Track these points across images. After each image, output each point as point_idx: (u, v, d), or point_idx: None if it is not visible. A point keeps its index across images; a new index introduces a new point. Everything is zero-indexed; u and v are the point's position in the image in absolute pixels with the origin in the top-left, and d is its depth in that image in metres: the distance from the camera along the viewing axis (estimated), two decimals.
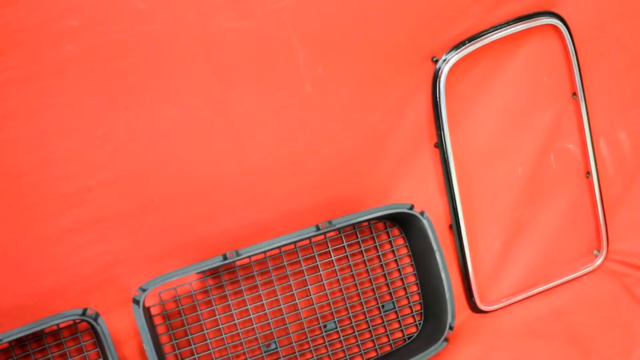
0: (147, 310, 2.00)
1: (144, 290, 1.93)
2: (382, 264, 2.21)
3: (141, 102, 1.95)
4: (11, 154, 1.90)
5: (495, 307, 2.31)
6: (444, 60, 2.14)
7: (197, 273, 2.04)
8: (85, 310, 1.92)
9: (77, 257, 2.02)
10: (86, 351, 2.03)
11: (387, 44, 2.11)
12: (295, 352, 2.14)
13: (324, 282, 2.17)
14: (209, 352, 2.09)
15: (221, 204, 2.11)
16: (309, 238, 2.11)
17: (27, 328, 1.88)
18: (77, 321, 2.00)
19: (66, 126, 1.91)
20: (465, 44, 2.14)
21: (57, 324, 1.96)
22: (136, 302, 1.91)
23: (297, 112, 2.09)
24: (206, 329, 2.09)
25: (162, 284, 1.95)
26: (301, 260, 2.15)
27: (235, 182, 2.10)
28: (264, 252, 2.05)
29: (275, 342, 2.13)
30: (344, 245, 2.18)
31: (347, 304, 2.18)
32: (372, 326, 2.19)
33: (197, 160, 2.05)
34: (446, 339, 2.08)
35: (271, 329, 2.13)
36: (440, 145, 2.20)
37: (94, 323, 1.92)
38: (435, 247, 2.10)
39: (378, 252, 2.21)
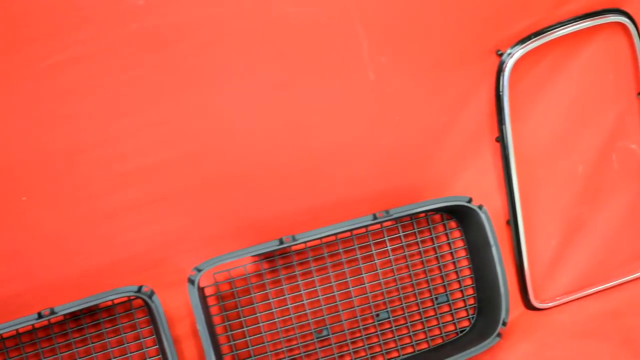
0: (201, 291, 1.96)
1: (199, 270, 1.90)
2: (437, 256, 2.15)
3: (203, 84, 1.93)
4: (71, 130, 1.89)
5: (550, 305, 2.23)
6: (509, 54, 2.07)
7: (252, 256, 1.99)
8: (140, 287, 1.90)
9: (133, 235, 2.01)
10: (139, 328, 2.00)
11: (452, 35, 2.06)
12: (346, 340, 2.09)
13: (378, 271, 2.11)
14: (260, 335, 2.05)
15: (277, 189, 2.07)
16: (366, 226, 2.06)
17: (83, 302, 1.87)
18: (131, 298, 1.98)
19: (126, 105, 1.90)
20: (531, 39, 2.07)
21: (112, 300, 1.93)
22: (191, 281, 1.89)
23: (359, 100, 2.05)
24: (259, 312, 2.05)
25: (217, 265, 1.92)
26: (356, 249, 2.10)
27: (293, 167, 2.06)
28: (320, 238, 2.00)
29: (327, 328, 2.08)
30: (400, 236, 2.12)
31: (401, 294, 2.13)
32: (424, 318, 2.14)
33: (256, 144, 2.02)
34: (499, 335, 2.02)
35: (323, 316, 2.08)
36: (501, 139, 2.12)
37: (148, 300, 1.90)
38: (492, 241, 2.03)
39: (434, 244, 2.15)
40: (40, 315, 1.83)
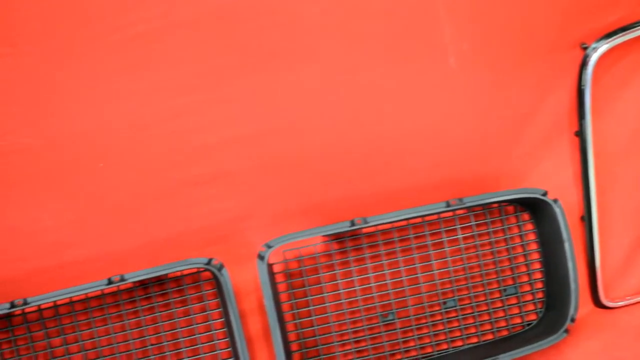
0: (270, 267, 1.94)
1: (269, 247, 1.88)
2: (508, 248, 2.10)
3: (275, 63, 1.91)
4: (142, 104, 1.89)
5: (620, 304, 2.16)
6: (593, 48, 2.00)
7: (322, 236, 1.97)
8: (210, 260, 1.88)
9: (203, 208, 2.00)
10: (206, 300, 1.99)
11: (536, 25, 2.00)
12: (412, 325, 2.05)
13: (448, 259, 2.07)
14: (326, 315, 2.02)
15: (348, 170, 2.04)
16: (438, 213, 2.02)
17: (152, 271, 1.87)
18: (200, 270, 1.96)
19: (197, 81, 1.89)
20: (617, 34, 2.00)
21: (181, 271, 1.93)
22: (261, 257, 1.87)
23: (438, 86, 2.00)
24: (326, 292, 2.02)
25: (288, 242, 1.90)
26: (427, 235, 2.05)
27: (365, 149, 2.03)
28: (392, 222, 1.96)
29: (393, 313, 2.05)
30: (471, 225, 2.07)
31: (469, 284, 2.08)
32: (491, 309, 2.09)
33: (331, 124, 1.99)
34: (566, 331, 1.96)
35: (390, 300, 2.04)
36: (580, 134, 2.06)
37: (217, 273, 1.88)
38: (565, 236, 1.97)
39: (505, 235, 2.09)
40: (110, 282, 1.84)
